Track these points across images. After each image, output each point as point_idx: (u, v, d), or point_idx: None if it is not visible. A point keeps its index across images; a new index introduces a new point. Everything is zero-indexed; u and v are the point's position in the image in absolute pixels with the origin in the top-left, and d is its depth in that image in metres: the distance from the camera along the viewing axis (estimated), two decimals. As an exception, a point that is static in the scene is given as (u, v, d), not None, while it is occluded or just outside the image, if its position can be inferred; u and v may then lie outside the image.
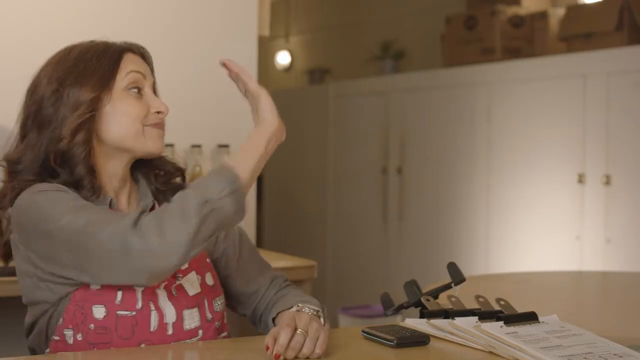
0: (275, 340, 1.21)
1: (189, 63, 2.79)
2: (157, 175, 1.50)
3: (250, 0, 2.97)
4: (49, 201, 1.29)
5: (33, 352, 1.40)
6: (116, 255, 1.20)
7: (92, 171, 1.37)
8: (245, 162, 1.27)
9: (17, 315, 1.47)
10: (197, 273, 1.41)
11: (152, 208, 1.44)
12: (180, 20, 2.85)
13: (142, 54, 1.47)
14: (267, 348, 1.20)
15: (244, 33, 2.96)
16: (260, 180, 5.65)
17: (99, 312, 1.29)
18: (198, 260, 1.43)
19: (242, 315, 1.56)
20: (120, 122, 1.38)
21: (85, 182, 1.36)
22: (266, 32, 3.22)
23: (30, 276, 1.34)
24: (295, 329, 1.23)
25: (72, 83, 1.38)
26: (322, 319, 1.34)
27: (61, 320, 1.33)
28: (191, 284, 1.39)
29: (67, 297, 1.32)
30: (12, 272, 1.47)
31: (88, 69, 1.39)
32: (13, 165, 1.40)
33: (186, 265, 1.39)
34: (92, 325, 1.30)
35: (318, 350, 1.22)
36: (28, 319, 1.39)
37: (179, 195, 1.23)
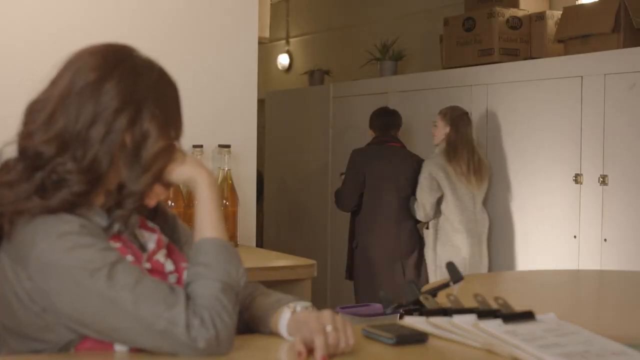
0: (304, 345, 1.20)
1: (190, 65, 2.80)
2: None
3: (251, 3, 2.99)
4: (75, 254, 1.18)
5: None
6: (159, 340, 1.18)
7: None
8: (220, 226, 1.29)
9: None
10: None
11: (141, 225, 1.37)
12: (181, 22, 2.86)
13: None
14: (300, 354, 1.19)
15: (244, 35, 2.97)
16: (260, 179, 5.67)
17: (121, 347, 1.24)
18: None
19: None
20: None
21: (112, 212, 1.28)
22: (266, 34, 3.23)
23: (37, 314, 1.22)
24: (324, 328, 1.22)
25: (153, 118, 1.27)
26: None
27: (72, 350, 1.24)
28: None
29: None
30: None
31: (175, 108, 1.33)
32: (34, 159, 1.23)
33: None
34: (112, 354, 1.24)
35: (351, 342, 1.23)
36: (19, 348, 1.25)
37: (208, 289, 1.21)
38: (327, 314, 1.26)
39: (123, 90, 1.25)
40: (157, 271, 1.31)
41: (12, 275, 1.22)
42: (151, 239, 1.36)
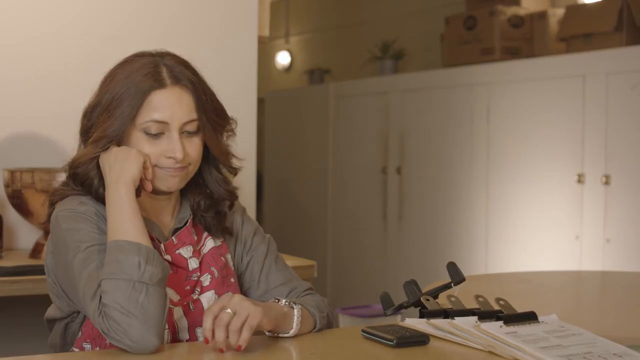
0: (212, 331, 1.22)
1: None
2: (205, 195, 1.50)
3: (250, 1, 2.98)
4: (68, 234, 1.33)
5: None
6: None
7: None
8: (122, 225, 1.28)
9: (42, 313, 1.50)
10: (215, 292, 1.41)
11: (187, 223, 1.45)
12: (181, 21, 2.85)
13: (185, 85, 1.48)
14: (205, 340, 1.22)
15: (244, 33, 2.96)
16: (260, 180, 5.66)
17: None
18: (219, 280, 1.43)
19: None
20: None
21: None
22: (266, 33, 3.22)
23: (55, 283, 1.40)
24: (223, 309, 1.22)
25: (100, 112, 1.40)
26: (297, 316, 1.32)
27: (80, 333, 1.38)
28: (208, 302, 1.39)
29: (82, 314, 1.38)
30: (40, 271, 1.54)
31: (117, 105, 1.39)
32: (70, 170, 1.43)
33: (207, 282, 1.41)
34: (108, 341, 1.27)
35: (245, 334, 1.20)
36: (51, 312, 1.44)
37: (108, 296, 1.22)
38: (236, 297, 1.24)
39: (100, 88, 1.43)
40: (178, 265, 1.40)
41: (47, 246, 1.42)
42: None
